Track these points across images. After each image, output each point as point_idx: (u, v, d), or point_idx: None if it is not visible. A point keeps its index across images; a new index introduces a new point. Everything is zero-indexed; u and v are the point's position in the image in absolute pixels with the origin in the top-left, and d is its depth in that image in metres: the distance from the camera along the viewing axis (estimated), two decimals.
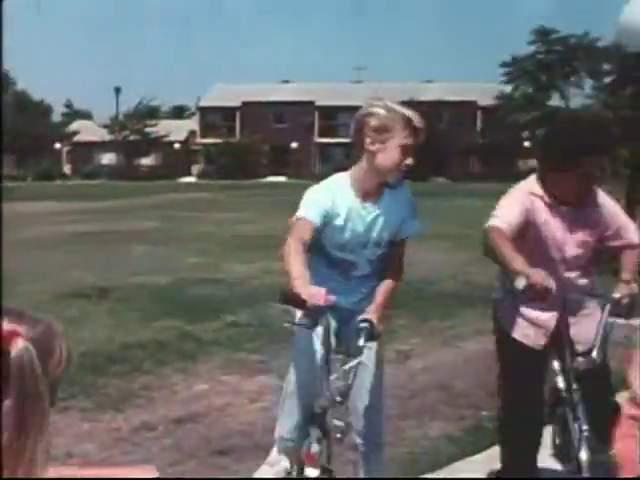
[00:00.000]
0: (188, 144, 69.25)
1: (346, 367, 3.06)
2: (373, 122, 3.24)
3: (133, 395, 5.64)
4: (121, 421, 5.11)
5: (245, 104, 65.37)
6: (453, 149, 60.05)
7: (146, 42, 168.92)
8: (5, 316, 1.42)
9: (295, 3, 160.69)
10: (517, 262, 3.22)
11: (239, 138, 64.90)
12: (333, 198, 3.26)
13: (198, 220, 21.10)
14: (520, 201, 3.45)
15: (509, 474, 3.74)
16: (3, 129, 44.84)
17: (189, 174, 65.00)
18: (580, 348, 3.57)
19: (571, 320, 3.61)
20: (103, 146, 66.93)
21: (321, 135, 66.37)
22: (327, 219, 3.24)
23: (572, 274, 3.58)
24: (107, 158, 68.01)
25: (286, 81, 70.95)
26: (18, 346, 1.38)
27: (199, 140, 67.73)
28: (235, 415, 5.31)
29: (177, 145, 67.65)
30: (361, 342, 3.10)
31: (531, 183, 3.56)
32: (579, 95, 58.67)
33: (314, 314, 2.98)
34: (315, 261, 3.34)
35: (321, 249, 3.33)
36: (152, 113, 72.49)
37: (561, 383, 3.58)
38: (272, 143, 63.38)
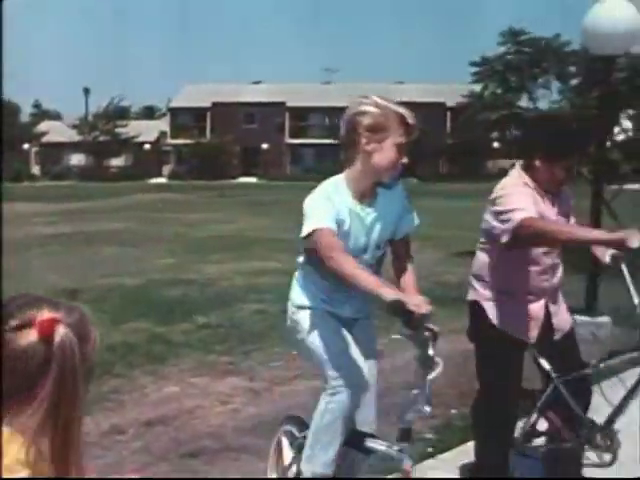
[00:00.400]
0: (159, 145, 68.89)
1: (429, 378, 2.95)
2: (367, 121, 3.13)
3: (103, 398, 5.62)
4: (91, 425, 5.07)
5: (216, 105, 65.15)
6: (423, 150, 60.34)
7: (116, 42, 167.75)
8: (43, 304, 1.46)
9: (266, 4, 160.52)
10: (596, 232, 3.39)
11: (210, 139, 64.68)
12: (334, 204, 3.14)
13: (169, 221, 21.03)
14: (526, 194, 3.54)
15: (486, 469, 3.80)
16: None
17: (160, 175, 64.67)
18: (557, 336, 3.70)
19: (553, 308, 3.74)
20: (72, 147, 66.37)
21: (292, 136, 66.34)
22: (337, 226, 3.13)
23: (557, 260, 3.73)
24: (76, 159, 67.46)
25: (257, 82, 70.84)
26: (60, 332, 1.42)
27: (170, 141, 67.40)
28: (205, 417, 5.31)
29: (147, 146, 67.27)
30: (431, 352, 2.97)
31: (520, 176, 3.65)
32: (547, 96, 59.42)
33: (418, 323, 2.82)
34: (315, 273, 3.27)
35: (322, 260, 3.15)
36: (122, 114, 72.00)
37: (547, 365, 3.74)
38: (243, 144, 63.23)
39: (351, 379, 3.18)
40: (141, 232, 17.94)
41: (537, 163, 3.59)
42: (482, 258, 3.73)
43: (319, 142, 64.66)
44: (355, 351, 3.25)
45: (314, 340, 3.26)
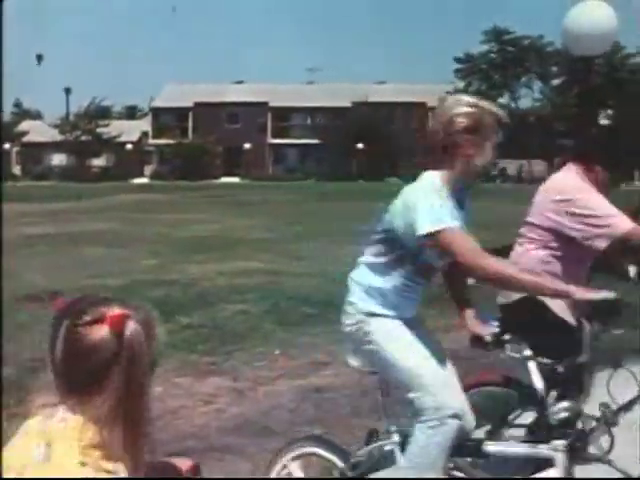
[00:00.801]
0: (141, 145, 68.65)
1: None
2: (468, 123, 3.02)
3: None
4: None
5: (198, 104, 65.02)
6: (405, 149, 60.46)
7: (99, 41, 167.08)
8: (113, 302, 1.56)
9: (249, 4, 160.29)
10: None
11: (192, 139, 64.55)
12: (445, 201, 3.03)
13: (152, 221, 20.96)
14: (602, 197, 3.58)
15: None
16: None
17: (142, 175, 64.45)
18: None
19: None
20: (54, 146, 66.02)
21: (274, 136, 66.32)
22: None
23: None
24: (58, 159, 67.11)
25: (239, 81, 70.75)
26: (130, 327, 1.53)
27: (152, 141, 67.19)
28: (189, 417, 5.31)
29: (129, 146, 67.03)
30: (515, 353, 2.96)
31: (581, 178, 3.67)
32: (529, 95, 59.97)
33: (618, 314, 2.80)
34: (399, 272, 3.11)
35: (416, 257, 3.07)
36: (104, 113, 71.70)
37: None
38: (225, 144, 63.17)
39: (455, 405, 2.98)
40: (124, 233, 17.87)
41: (597, 168, 3.64)
42: (536, 254, 3.66)
43: (302, 142, 64.68)
44: (447, 367, 3.12)
45: (401, 359, 3.06)
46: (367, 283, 3.14)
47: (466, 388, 4.20)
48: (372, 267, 3.15)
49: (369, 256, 3.18)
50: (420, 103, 63.09)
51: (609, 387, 3.70)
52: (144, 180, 61.07)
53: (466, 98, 3.12)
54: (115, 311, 1.53)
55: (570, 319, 3.63)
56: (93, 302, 1.57)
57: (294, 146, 65.22)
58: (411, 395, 3.01)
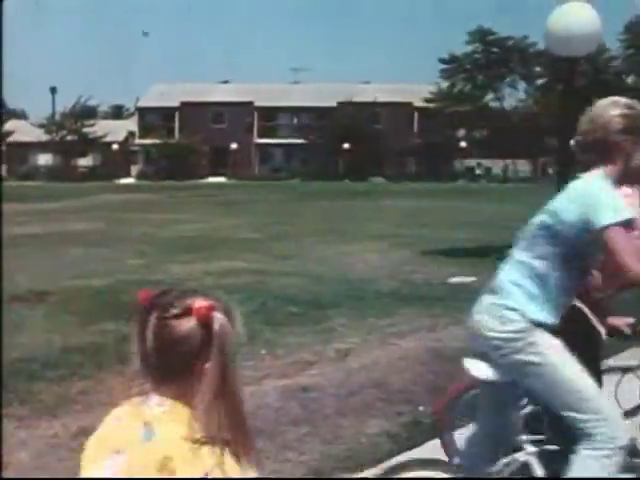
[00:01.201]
0: (127, 145, 68.43)
1: None
2: (627, 123, 3.07)
3: (71, 400, 5.59)
4: (58, 427, 5.06)
5: (184, 104, 64.87)
6: (390, 149, 60.58)
7: (84, 40, 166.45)
8: (196, 294, 1.63)
9: (234, 4, 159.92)
10: None
11: (178, 139, 64.42)
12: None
13: (138, 221, 20.92)
14: None
15: None
16: None
17: (129, 175, 64.25)
18: None
19: None
20: (39, 146, 65.69)
21: (260, 136, 66.26)
22: None
23: None
24: (43, 159, 66.79)
25: (225, 81, 70.64)
26: (218, 318, 1.59)
27: (138, 141, 66.99)
28: None
29: (115, 146, 66.80)
30: None
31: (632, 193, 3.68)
32: (513, 95, 60.33)
33: None
34: (561, 274, 3.04)
35: (579, 257, 3.07)
36: (90, 113, 71.40)
37: None
38: (211, 144, 63.02)
39: (626, 435, 2.98)
40: (109, 233, 17.84)
41: None
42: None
43: (287, 142, 64.66)
44: None
45: (573, 379, 2.99)
46: (529, 287, 3.02)
47: (462, 389, 4.19)
48: (531, 269, 3.04)
49: (527, 258, 3.06)
50: (405, 103, 63.21)
51: (617, 392, 3.70)
52: (130, 180, 60.88)
53: (623, 100, 3.18)
54: (201, 303, 1.59)
55: (602, 330, 3.62)
56: (179, 295, 1.63)
57: (280, 146, 65.18)
58: (578, 416, 2.92)
